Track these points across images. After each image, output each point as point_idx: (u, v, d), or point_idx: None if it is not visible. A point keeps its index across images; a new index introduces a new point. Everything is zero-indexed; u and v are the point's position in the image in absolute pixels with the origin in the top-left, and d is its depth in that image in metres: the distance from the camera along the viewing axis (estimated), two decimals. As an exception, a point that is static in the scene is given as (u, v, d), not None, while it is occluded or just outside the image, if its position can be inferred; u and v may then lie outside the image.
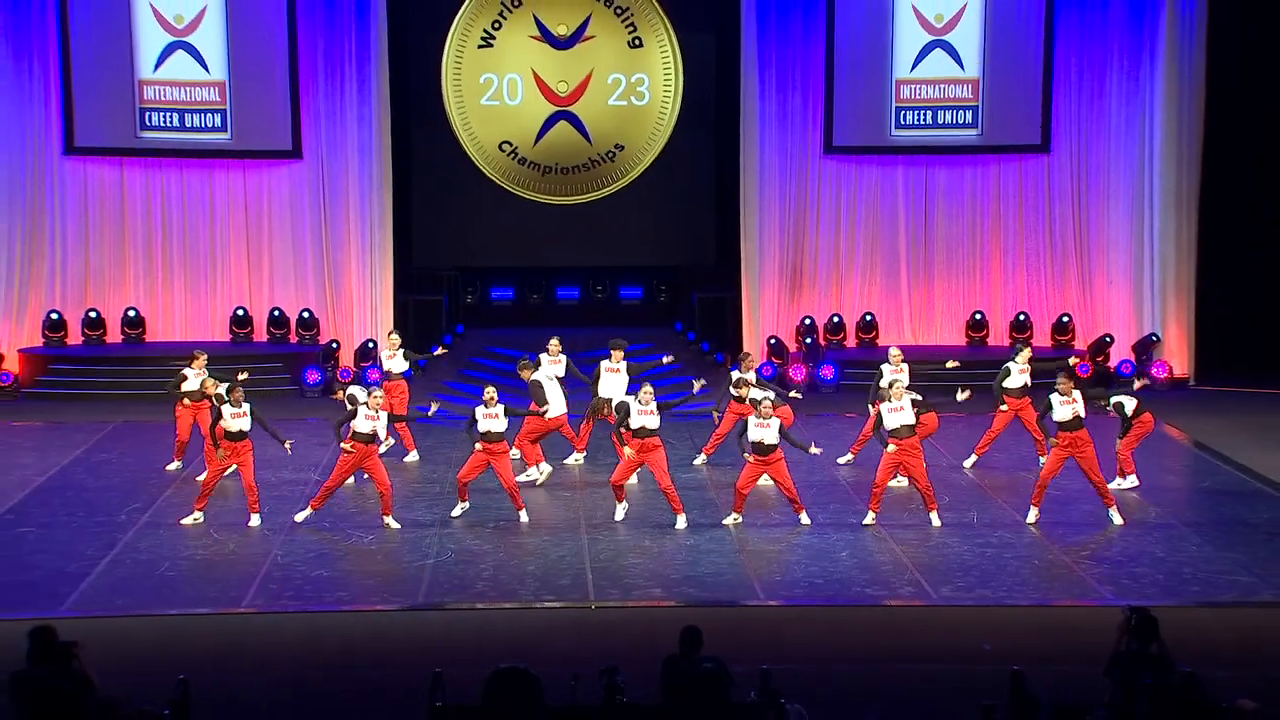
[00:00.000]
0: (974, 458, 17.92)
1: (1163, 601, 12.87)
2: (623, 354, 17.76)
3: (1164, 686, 8.96)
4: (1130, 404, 16.55)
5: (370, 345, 23.68)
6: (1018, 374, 17.49)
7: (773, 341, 24.16)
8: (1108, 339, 24.21)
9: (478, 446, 15.47)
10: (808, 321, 24.45)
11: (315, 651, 12.33)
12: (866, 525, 15.39)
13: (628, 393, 16.73)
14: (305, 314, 24.14)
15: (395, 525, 15.43)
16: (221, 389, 16.38)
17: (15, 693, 8.84)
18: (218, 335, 24.29)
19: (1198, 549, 14.89)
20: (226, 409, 15.57)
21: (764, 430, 15.18)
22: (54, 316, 23.78)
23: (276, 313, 24.23)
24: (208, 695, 10.11)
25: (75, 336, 24.00)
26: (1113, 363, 24.07)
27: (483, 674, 8.72)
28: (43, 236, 23.79)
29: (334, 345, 23.83)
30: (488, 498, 16.35)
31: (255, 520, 15.50)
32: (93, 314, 23.98)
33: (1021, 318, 24.57)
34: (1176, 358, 24.18)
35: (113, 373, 23.29)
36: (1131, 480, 16.77)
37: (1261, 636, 12.02)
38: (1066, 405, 15.36)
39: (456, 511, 15.70)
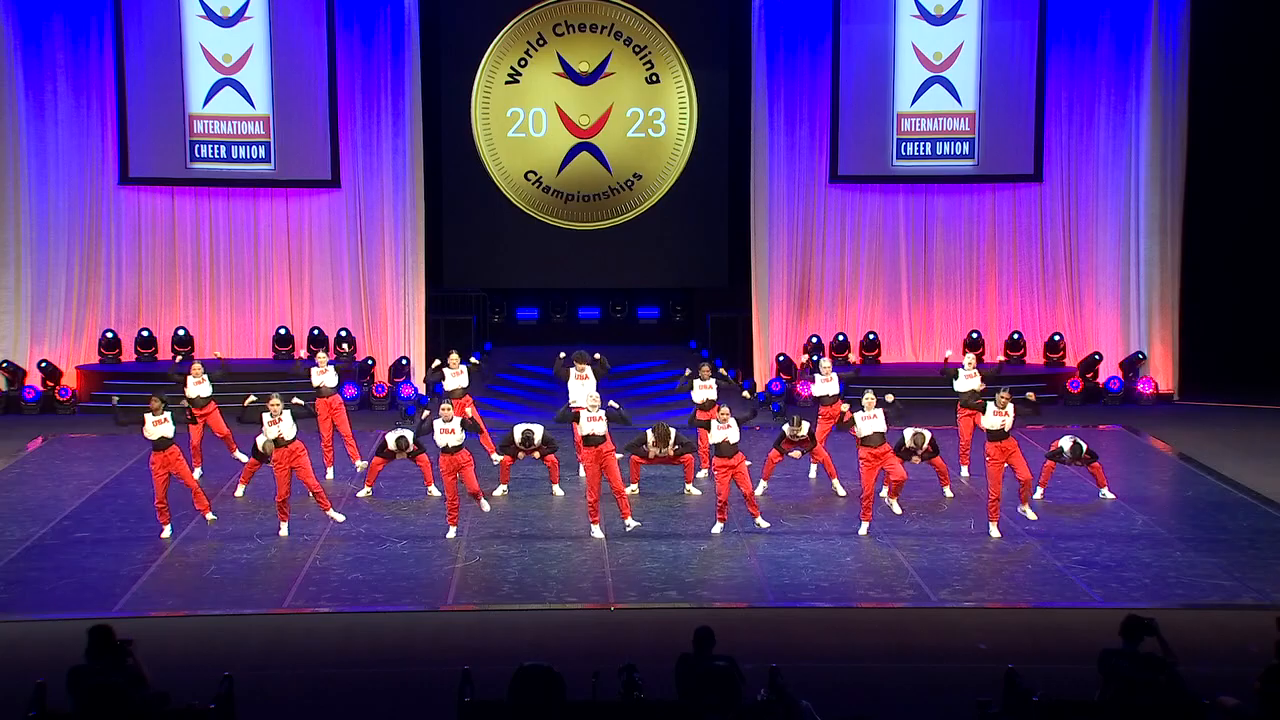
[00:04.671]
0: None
1: (1149, 604, 12.84)
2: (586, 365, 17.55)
3: (1149, 682, 8.93)
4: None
5: (404, 362, 23.75)
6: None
7: (781, 358, 24.15)
8: (1097, 356, 24.14)
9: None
10: (814, 340, 24.43)
11: (351, 650, 12.33)
12: (862, 536, 15.37)
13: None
14: (343, 332, 24.21)
15: (339, 517, 15.66)
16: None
17: (73, 686, 8.88)
18: (261, 353, 24.37)
19: (1182, 554, 14.84)
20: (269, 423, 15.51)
21: (726, 431, 15.22)
22: (109, 335, 23.88)
23: (316, 331, 24.29)
24: (250, 691, 10.14)
25: (129, 354, 24.08)
26: (1102, 379, 24.02)
27: (508, 672, 8.72)
28: (99, 261, 23.90)
29: (370, 362, 23.88)
30: (513, 504, 16.35)
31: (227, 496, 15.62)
32: (145, 333, 24.07)
33: (1016, 336, 24.54)
34: (1161, 374, 24.10)
35: (164, 388, 23.23)
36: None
37: (1242, 637, 11.96)
38: (997, 416, 15.28)
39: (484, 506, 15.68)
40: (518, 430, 16.61)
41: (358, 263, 24.21)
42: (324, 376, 18.21)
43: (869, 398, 15.60)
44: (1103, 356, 24.17)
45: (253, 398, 16.40)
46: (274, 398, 15.68)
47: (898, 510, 15.60)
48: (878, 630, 12.79)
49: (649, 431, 16.40)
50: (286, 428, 15.41)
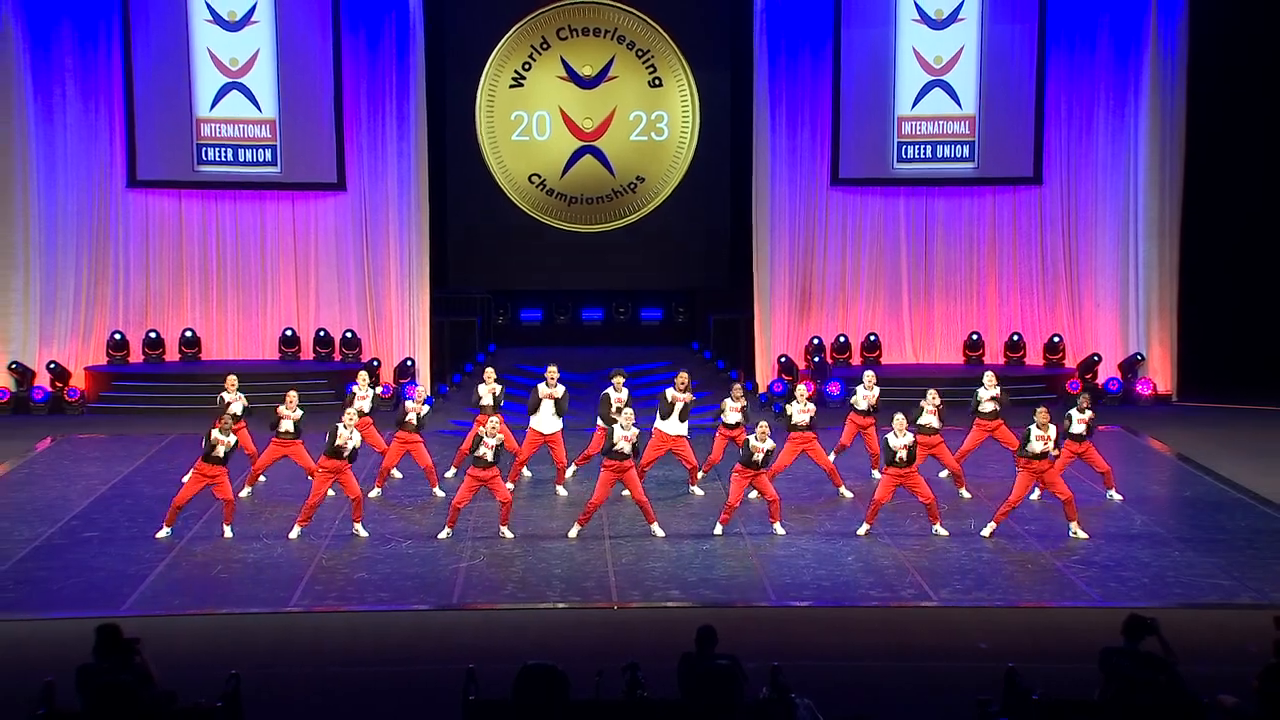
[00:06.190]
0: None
1: (1147, 603, 12.81)
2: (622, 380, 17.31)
3: (1149, 682, 8.92)
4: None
5: (409, 363, 23.75)
6: (1077, 420, 16.44)
7: (783, 360, 24.13)
8: (1096, 358, 24.13)
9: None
10: (816, 341, 24.43)
11: (356, 649, 12.32)
12: (861, 536, 15.35)
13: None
14: (349, 334, 24.21)
15: (364, 533, 15.39)
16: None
17: (81, 685, 8.87)
18: (267, 354, 24.38)
19: (1180, 554, 14.82)
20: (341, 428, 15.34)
21: (762, 448, 15.20)
22: (117, 336, 23.90)
23: (322, 333, 24.31)
24: (257, 689, 10.13)
25: (136, 355, 24.10)
26: (1101, 380, 24.01)
27: (512, 670, 8.71)
28: (107, 263, 23.91)
29: (375, 363, 23.88)
30: (517, 504, 16.35)
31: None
32: (153, 334, 24.09)
33: (1015, 338, 24.53)
34: (1160, 376, 24.09)
35: (171, 389, 23.38)
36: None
37: (1241, 636, 11.94)
38: (1039, 441, 15.16)
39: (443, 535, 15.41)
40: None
41: (363, 265, 24.22)
42: (362, 402, 17.71)
43: (899, 420, 15.46)
44: (1102, 358, 24.16)
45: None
46: (291, 393, 16.40)
47: (943, 532, 15.47)
48: (879, 629, 12.77)
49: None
50: (356, 439, 15.31)
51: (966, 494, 16.99)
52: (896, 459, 15.19)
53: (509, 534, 15.34)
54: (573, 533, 15.33)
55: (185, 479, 16.31)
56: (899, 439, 15.22)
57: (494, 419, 15.76)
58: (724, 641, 9.36)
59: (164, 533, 15.38)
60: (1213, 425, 21.96)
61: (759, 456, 15.18)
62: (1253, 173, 24.65)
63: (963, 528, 15.67)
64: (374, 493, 17.15)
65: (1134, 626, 9.20)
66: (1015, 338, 24.53)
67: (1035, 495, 16.31)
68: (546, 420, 16.98)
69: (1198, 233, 24.10)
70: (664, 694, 9.26)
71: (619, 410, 15.95)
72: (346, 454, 15.25)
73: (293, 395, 16.67)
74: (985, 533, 15.32)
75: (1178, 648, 9.18)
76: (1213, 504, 16.93)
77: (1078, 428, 16.41)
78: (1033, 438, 15.17)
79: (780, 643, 11.99)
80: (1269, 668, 8.96)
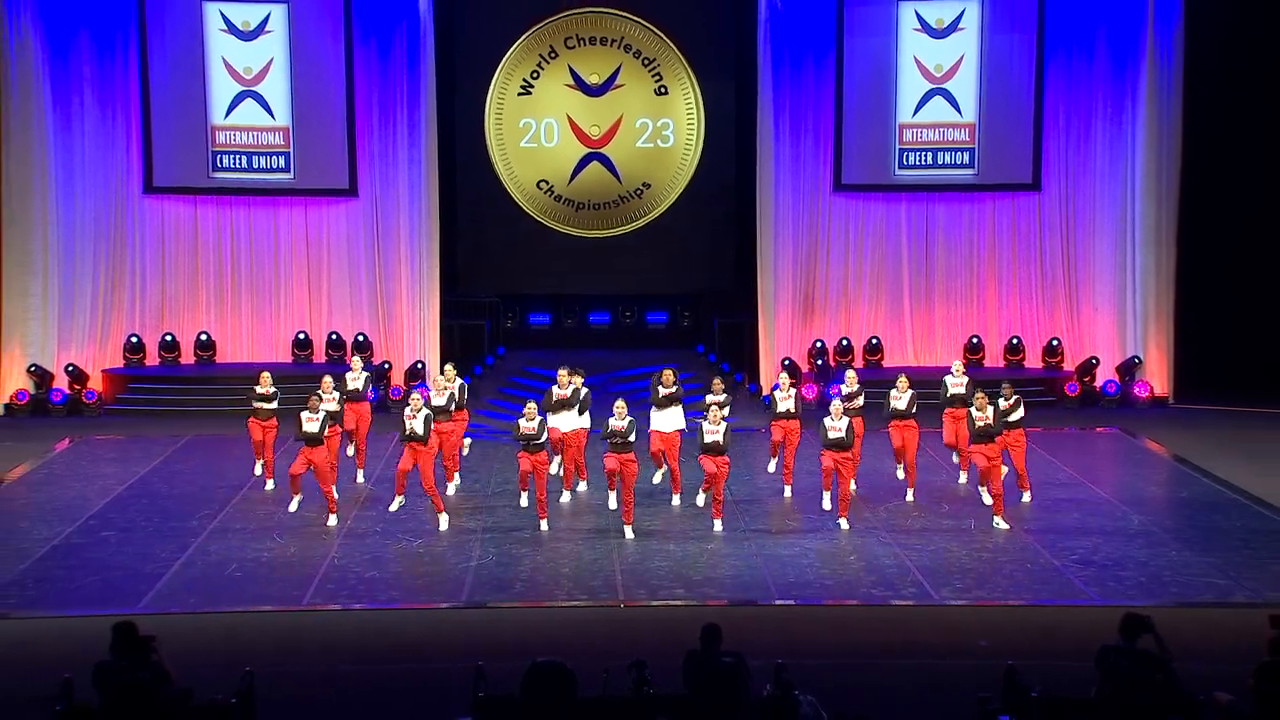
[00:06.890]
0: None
1: (1144, 602, 12.80)
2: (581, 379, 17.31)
3: (1146, 680, 8.92)
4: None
5: (420, 366, 23.78)
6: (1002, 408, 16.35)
7: (786, 363, 24.11)
8: (1094, 361, 24.12)
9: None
10: (819, 344, 24.43)
11: (368, 646, 12.34)
12: (843, 529, 15.39)
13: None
14: (360, 337, 24.25)
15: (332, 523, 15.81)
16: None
17: (98, 681, 8.89)
18: (281, 357, 24.40)
19: (1177, 554, 14.81)
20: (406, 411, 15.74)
21: (715, 432, 15.28)
22: (133, 340, 23.95)
23: (334, 336, 24.34)
24: (270, 686, 10.15)
25: (153, 358, 24.14)
26: (1099, 383, 24.00)
27: (521, 668, 8.73)
28: (124, 268, 23.96)
29: (386, 365, 23.91)
30: (526, 507, 16.37)
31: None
32: (168, 337, 24.13)
33: (1015, 341, 24.51)
34: (1157, 378, 24.06)
35: (186, 391, 23.43)
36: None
37: (1236, 635, 11.94)
38: (981, 421, 15.51)
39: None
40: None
41: (375, 269, 24.25)
42: (356, 382, 18.11)
43: (836, 405, 15.69)
44: (1099, 361, 24.14)
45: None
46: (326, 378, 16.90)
47: (845, 527, 15.57)
48: (880, 628, 12.78)
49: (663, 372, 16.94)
50: (419, 424, 15.56)
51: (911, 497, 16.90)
52: (834, 443, 15.39)
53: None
54: (628, 534, 15.31)
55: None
56: (833, 428, 15.43)
57: (530, 405, 15.76)
58: (728, 639, 9.37)
59: (294, 505, 16.01)
60: (1209, 427, 21.93)
61: (713, 439, 15.16)
62: (1249, 178, 24.61)
63: (962, 527, 15.68)
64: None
65: (1130, 625, 9.19)
66: (1015, 341, 24.52)
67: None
68: (563, 419, 16.99)
69: (1195, 238, 24.06)
70: (670, 691, 9.27)
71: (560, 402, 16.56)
72: (408, 436, 15.53)
73: (328, 380, 16.93)
74: (1002, 526, 15.35)
75: (1174, 646, 9.18)
76: (1209, 504, 16.92)
77: (1008, 411, 16.24)
78: (975, 419, 15.51)
79: (784, 641, 12.00)
80: (1264, 666, 8.96)
